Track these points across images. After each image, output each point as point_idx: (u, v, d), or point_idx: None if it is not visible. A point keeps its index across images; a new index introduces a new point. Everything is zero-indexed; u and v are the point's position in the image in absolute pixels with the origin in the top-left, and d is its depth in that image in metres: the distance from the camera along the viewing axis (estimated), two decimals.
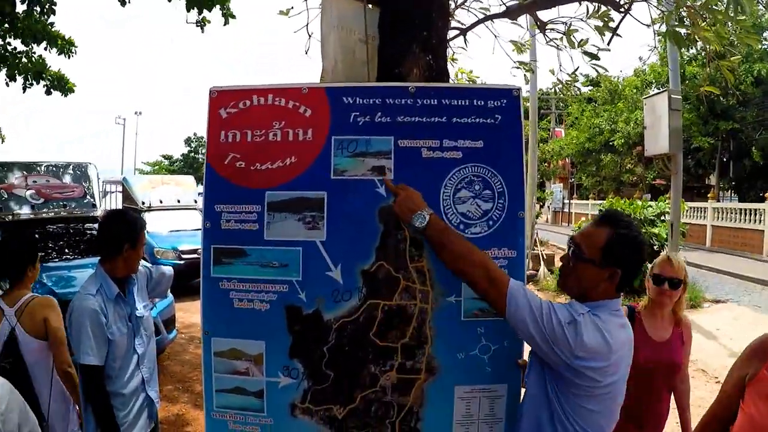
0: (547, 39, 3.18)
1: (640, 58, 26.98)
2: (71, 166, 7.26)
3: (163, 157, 55.37)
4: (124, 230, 2.37)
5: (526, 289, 1.64)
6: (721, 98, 19.03)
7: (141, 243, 2.43)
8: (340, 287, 1.85)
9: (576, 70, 3.44)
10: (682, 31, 2.86)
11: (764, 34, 18.87)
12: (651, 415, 2.52)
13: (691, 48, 3.16)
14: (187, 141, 55.80)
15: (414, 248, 1.84)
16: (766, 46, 19.42)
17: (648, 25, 2.97)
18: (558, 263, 11.68)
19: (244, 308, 1.87)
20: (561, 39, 3.20)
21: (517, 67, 3.84)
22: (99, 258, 2.42)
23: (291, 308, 1.86)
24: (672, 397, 2.61)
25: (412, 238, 1.83)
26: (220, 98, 1.92)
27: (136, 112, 48.74)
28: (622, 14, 2.81)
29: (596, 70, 3.19)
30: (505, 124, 1.86)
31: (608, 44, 2.90)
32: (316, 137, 1.87)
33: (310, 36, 3.20)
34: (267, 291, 1.87)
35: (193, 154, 54.86)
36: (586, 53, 3.06)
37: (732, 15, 2.59)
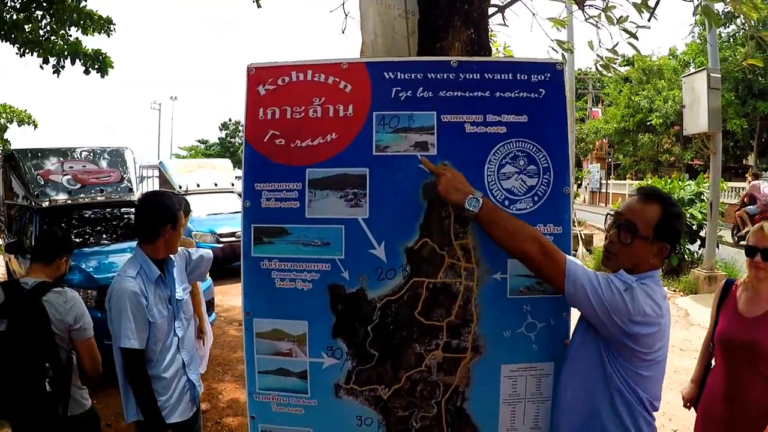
0: (587, 16, 3.14)
1: (681, 39, 26.88)
2: (107, 151, 7.26)
3: (199, 141, 55.31)
4: (164, 211, 2.33)
5: (580, 262, 1.64)
6: (760, 78, 18.86)
7: (181, 224, 2.41)
8: (383, 265, 1.81)
9: (616, 45, 3.39)
10: (720, 6, 2.83)
11: None
12: (741, 398, 2.25)
13: (730, 25, 3.13)
14: (223, 126, 55.53)
15: (458, 225, 1.80)
16: None
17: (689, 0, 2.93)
18: (597, 244, 11.65)
19: (286, 288, 1.84)
20: (599, 16, 3.16)
21: (555, 48, 3.79)
22: (138, 240, 2.38)
23: (334, 287, 1.83)
24: None
25: (457, 215, 1.80)
26: (258, 75, 1.88)
27: (171, 97, 48.64)
28: None
29: (634, 48, 3.16)
30: (549, 98, 1.83)
31: (649, 20, 2.86)
32: (357, 113, 1.84)
33: (346, 15, 3.17)
34: (309, 270, 1.83)
35: (229, 138, 54.72)
36: (625, 30, 3.03)
37: None
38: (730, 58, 19.34)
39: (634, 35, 3.14)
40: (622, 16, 3.19)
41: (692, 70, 24.55)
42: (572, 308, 1.81)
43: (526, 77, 1.83)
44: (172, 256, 2.46)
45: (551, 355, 1.83)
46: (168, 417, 2.26)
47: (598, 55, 3.83)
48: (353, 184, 1.82)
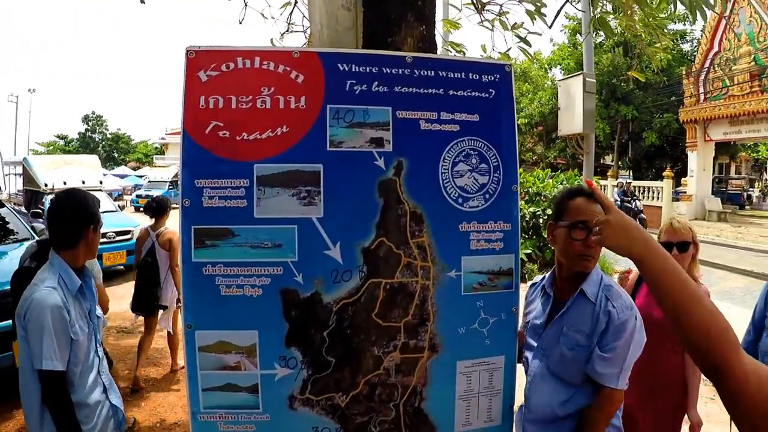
0: (482, 19, 3.27)
1: (551, 40, 29.11)
2: None
3: (58, 137, 51.07)
4: (85, 211, 2.06)
5: None
6: (622, 84, 21.10)
7: (100, 224, 2.14)
8: (339, 267, 1.73)
9: (509, 49, 3.59)
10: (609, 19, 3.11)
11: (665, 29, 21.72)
12: (661, 374, 2.55)
13: (610, 36, 3.47)
14: (85, 119, 51.97)
15: (414, 223, 1.78)
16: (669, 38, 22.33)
17: (581, 12, 3.18)
18: None
19: (233, 295, 1.68)
20: (493, 21, 3.31)
21: (448, 50, 3.90)
22: (53, 246, 2.05)
23: (286, 292, 1.70)
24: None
25: (412, 213, 1.77)
26: (198, 59, 1.69)
27: (29, 90, 42.77)
28: (561, 6, 2.98)
29: (525, 53, 3.35)
30: (499, 98, 1.87)
31: (551, 27, 3.05)
32: (310, 105, 1.73)
33: (246, 5, 2.97)
34: (259, 275, 1.69)
35: (90, 133, 51.25)
36: (517, 36, 3.20)
37: (654, 12, 2.86)
38: (600, 63, 21.65)
39: (525, 40, 3.35)
40: (516, 23, 3.39)
41: (557, 72, 27.09)
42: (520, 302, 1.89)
43: (477, 77, 1.85)
44: (87, 264, 2.16)
45: (502, 348, 1.88)
46: None
47: (490, 58, 4.05)
48: (306, 181, 1.71)
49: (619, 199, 15.87)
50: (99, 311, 2.22)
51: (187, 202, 1.67)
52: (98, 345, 2.13)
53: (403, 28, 1.90)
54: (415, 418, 1.80)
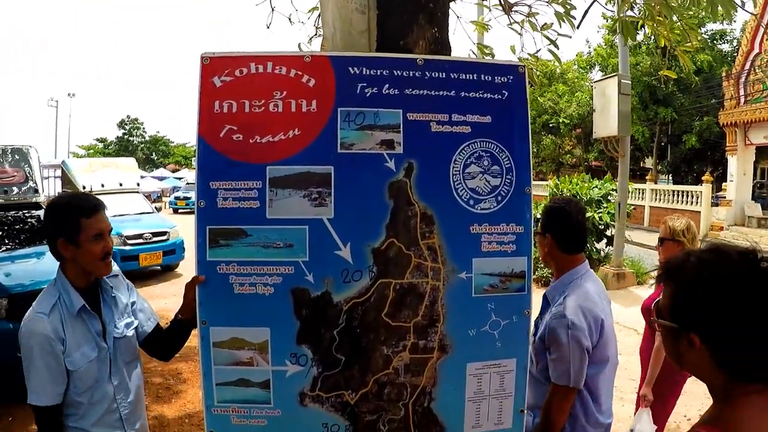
0: (511, 21, 3.25)
1: (587, 41, 28.59)
2: (10, 150, 6.49)
3: (97, 140, 53.27)
4: (54, 222, 1.78)
5: None
6: (662, 85, 20.68)
7: (88, 233, 1.75)
8: (349, 267, 1.76)
9: (538, 51, 3.55)
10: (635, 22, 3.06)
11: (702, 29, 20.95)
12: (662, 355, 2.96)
13: (637, 37, 3.39)
14: (121, 124, 53.93)
15: (425, 224, 1.79)
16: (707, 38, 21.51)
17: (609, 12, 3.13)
18: None
19: (246, 293, 1.73)
20: (522, 22, 3.29)
21: (475, 53, 3.89)
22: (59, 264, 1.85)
23: (297, 291, 1.74)
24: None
25: (423, 214, 1.78)
26: (213, 65, 1.75)
27: (69, 94, 44.88)
28: (587, 9, 2.94)
29: (554, 55, 3.32)
30: (512, 100, 1.86)
31: (578, 27, 3.02)
32: (321, 109, 1.76)
33: (273, 9, 3.04)
34: (271, 274, 1.73)
35: (127, 136, 53.33)
36: (546, 38, 3.17)
37: (684, 11, 2.79)
38: (640, 64, 21.08)
39: (554, 43, 3.31)
40: (545, 24, 3.35)
41: (597, 72, 26.48)
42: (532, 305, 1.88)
43: (490, 78, 1.85)
44: (108, 280, 1.92)
45: (514, 351, 1.86)
46: None
47: (519, 59, 4.01)
48: (317, 182, 1.75)
49: None
50: (135, 324, 1.97)
51: (202, 204, 1.73)
52: (122, 367, 1.90)
53: (415, 30, 1.92)
54: (424, 418, 1.81)
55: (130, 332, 1.94)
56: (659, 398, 3.04)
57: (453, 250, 1.80)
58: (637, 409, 3.14)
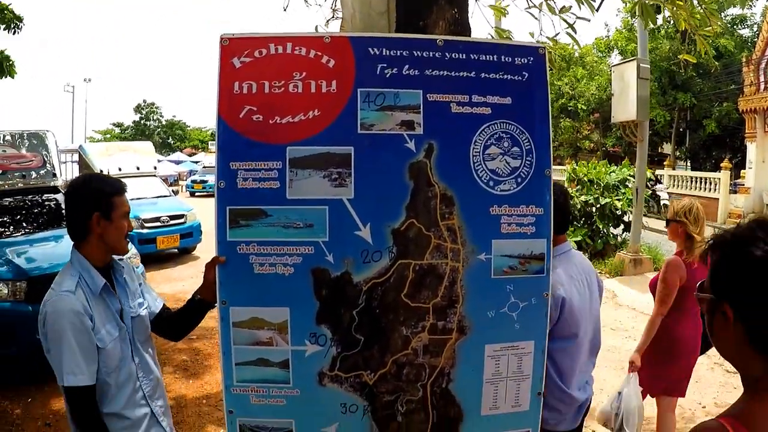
0: (530, 5, 3.20)
1: (606, 25, 28.17)
2: (28, 135, 6.57)
3: (114, 125, 53.85)
4: (88, 197, 1.80)
5: None
6: (681, 71, 20.30)
7: (119, 211, 1.82)
8: (369, 247, 1.76)
9: (557, 35, 3.49)
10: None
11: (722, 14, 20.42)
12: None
13: (657, 20, 3.32)
14: (137, 108, 54.40)
15: (444, 205, 1.78)
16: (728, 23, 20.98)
17: None
18: None
19: (266, 273, 1.74)
20: (540, 5, 3.24)
21: (494, 36, 3.84)
22: (72, 242, 1.86)
23: (317, 271, 1.75)
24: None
25: (443, 195, 1.78)
26: (232, 46, 1.74)
27: (85, 79, 45.14)
28: None
29: (572, 38, 3.27)
30: (532, 81, 1.84)
31: (598, 10, 2.96)
32: (341, 89, 1.76)
33: None
34: (291, 254, 1.74)
35: (144, 121, 53.86)
36: (565, 21, 3.12)
37: None
38: (658, 48, 20.64)
39: (572, 26, 3.25)
40: (564, 6, 3.29)
41: (616, 56, 26.02)
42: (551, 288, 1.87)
43: (510, 59, 1.83)
44: (118, 259, 1.94)
45: (532, 333, 1.86)
46: None
47: (538, 42, 3.94)
48: (337, 163, 1.75)
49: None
50: (146, 305, 1.99)
51: (222, 184, 1.74)
52: (140, 346, 1.90)
53: (435, 11, 1.90)
54: (441, 398, 1.82)
55: (143, 311, 1.96)
56: (646, 365, 3.15)
57: (472, 232, 1.79)
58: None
